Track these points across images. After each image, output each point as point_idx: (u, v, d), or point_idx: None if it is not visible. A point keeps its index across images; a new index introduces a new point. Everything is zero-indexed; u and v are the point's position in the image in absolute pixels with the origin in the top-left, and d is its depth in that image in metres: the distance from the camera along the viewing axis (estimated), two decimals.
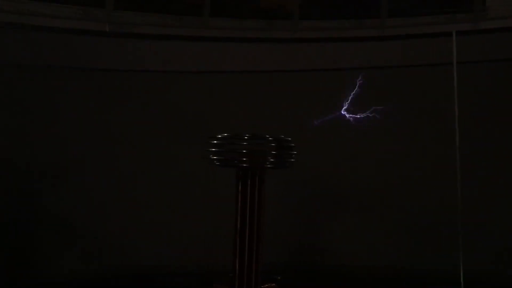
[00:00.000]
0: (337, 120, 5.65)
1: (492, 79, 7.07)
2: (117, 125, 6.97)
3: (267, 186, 5.17)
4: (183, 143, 7.01)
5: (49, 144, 6.64)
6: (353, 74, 6.67)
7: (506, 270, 6.81)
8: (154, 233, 6.96)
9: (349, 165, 7.44)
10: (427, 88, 7.37)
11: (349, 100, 5.81)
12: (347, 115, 5.82)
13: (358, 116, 5.80)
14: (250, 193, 5.17)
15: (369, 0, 7.74)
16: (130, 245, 6.85)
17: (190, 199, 7.12)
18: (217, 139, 5.17)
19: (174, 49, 7.08)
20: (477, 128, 6.94)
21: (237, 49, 7.36)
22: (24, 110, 6.57)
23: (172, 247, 6.98)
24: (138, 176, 7.01)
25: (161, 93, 7.13)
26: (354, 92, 5.88)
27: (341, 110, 5.78)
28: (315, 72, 7.48)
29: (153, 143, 7.06)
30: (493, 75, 7.05)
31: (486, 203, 6.97)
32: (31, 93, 6.60)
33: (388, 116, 6.97)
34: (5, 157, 6.39)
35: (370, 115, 6.03)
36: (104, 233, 6.79)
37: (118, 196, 6.91)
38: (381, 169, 7.48)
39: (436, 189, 7.20)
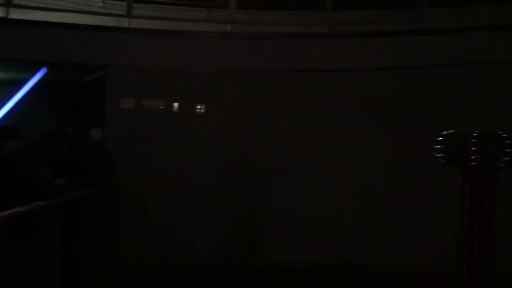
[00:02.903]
0: None
1: None
2: (332, 123, 7.15)
3: (498, 187, 4.82)
4: (399, 141, 6.88)
5: (270, 142, 7.14)
6: None
7: None
8: (365, 230, 6.96)
9: None
10: None
11: None
12: None
13: None
14: (480, 194, 4.86)
15: None
16: (342, 240, 6.96)
17: (406, 198, 6.95)
18: (443, 136, 4.99)
19: (384, 45, 6.96)
20: None
21: (456, 40, 6.89)
22: (250, 112, 7.20)
23: (387, 246, 6.88)
24: (349, 173, 7.08)
25: (377, 91, 7.05)
26: None
27: None
28: None
29: (364, 141, 7.08)
30: None
31: None
32: (255, 96, 7.18)
33: None
34: (236, 155, 7.09)
35: None
36: (319, 226, 7.02)
37: (330, 191, 7.06)
38: None
39: None
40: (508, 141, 4.79)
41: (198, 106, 7.06)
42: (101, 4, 7.05)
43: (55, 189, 4.54)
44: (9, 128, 4.37)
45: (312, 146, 7.10)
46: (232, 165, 7.02)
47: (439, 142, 4.95)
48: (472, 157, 4.83)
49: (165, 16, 7.03)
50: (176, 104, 7.05)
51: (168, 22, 6.99)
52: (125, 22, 6.98)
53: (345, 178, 7.04)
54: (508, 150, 4.81)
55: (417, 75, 7.03)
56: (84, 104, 6.43)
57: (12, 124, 4.24)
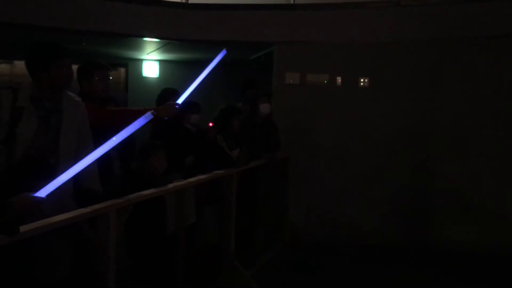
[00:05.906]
0: None
1: None
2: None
3: None
4: None
5: (440, 117, 6.74)
6: None
7: None
8: None
9: None
10: None
11: None
12: None
13: None
14: None
15: None
16: None
17: None
18: None
19: None
20: None
21: None
22: (418, 85, 6.81)
23: None
24: None
25: None
26: None
27: None
28: None
29: None
30: None
31: None
32: (424, 68, 6.78)
33: None
34: (404, 130, 6.82)
35: None
36: (492, 207, 6.49)
37: (506, 170, 6.48)
38: None
39: None
40: None
41: (363, 79, 6.94)
42: None
43: (231, 159, 4.94)
44: (190, 104, 4.82)
45: (488, 121, 6.53)
46: (399, 140, 6.80)
47: None
48: None
49: None
50: (340, 78, 7.04)
51: None
52: None
53: None
54: None
55: None
56: (253, 80, 6.77)
57: (192, 100, 4.65)
